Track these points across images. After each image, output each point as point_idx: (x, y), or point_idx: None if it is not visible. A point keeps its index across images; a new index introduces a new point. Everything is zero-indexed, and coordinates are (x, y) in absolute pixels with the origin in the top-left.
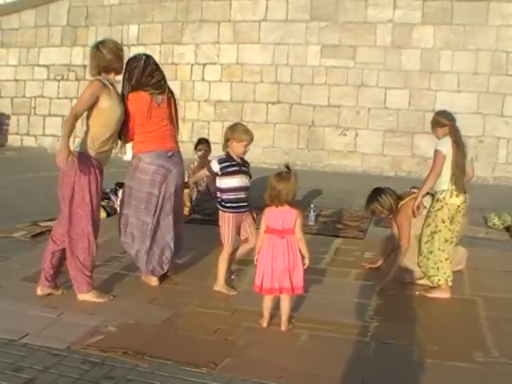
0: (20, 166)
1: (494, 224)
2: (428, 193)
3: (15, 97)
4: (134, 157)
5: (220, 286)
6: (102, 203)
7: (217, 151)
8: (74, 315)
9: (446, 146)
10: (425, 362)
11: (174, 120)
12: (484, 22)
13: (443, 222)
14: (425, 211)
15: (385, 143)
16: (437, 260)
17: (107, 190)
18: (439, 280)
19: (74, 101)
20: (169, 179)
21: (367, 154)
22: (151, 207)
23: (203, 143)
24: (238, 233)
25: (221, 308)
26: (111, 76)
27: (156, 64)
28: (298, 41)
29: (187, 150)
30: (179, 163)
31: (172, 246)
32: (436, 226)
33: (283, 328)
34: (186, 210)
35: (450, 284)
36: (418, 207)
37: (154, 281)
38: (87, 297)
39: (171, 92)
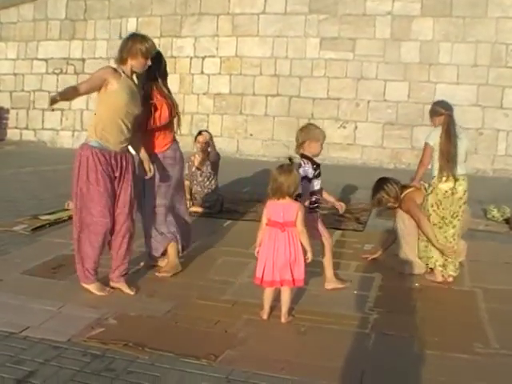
0: (19, 160)
1: (493, 216)
2: None
3: (14, 91)
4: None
5: (332, 282)
6: None
7: (216, 143)
8: (75, 308)
9: (434, 138)
10: (425, 354)
11: None
12: (483, 14)
13: (432, 205)
14: None
15: (384, 135)
16: (426, 243)
17: None
18: (430, 263)
19: None
20: None
21: (367, 146)
22: None
23: (202, 134)
24: None
25: (221, 300)
26: (126, 67)
27: None
28: (297, 33)
29: (186, 143)
30: None
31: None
32: (428, 210)
33: (283, 320)
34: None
35: (440, 269)
36: None
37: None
38: (88, 287)
39: None
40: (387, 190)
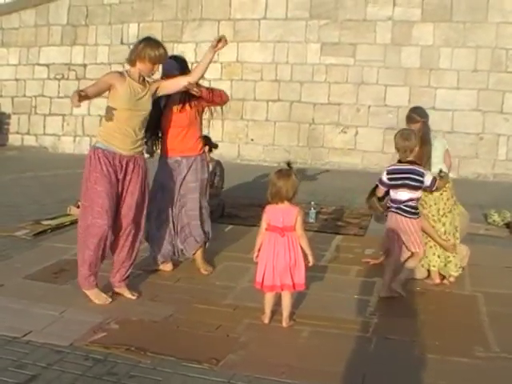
0: (21, 165)
1: (493, 220)
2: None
3: (16, 96)
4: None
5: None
6: None
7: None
8: (77, 312)
9: None
10: (426, 357)
11: None
12: (484, 19)
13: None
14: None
15: (385, 140)
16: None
17: None
18: (424, 263)
19: None
20: None
21: (367, 151)
22: None
23: None
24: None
25: (222, 305)
26: (134, 69)
27: None
28: (297, 39)
29: None
30: None
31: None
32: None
33: (284, 324)
34: None
35: (434, 269)
36: None
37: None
38: (86, 292)
39: None
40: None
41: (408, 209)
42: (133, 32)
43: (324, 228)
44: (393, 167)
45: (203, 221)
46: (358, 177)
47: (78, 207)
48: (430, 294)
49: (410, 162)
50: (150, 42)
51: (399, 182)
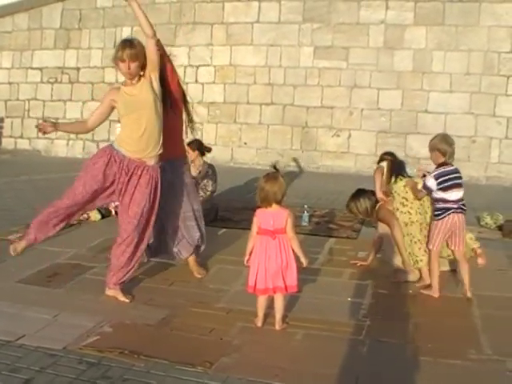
0: (14, 169)
1: (486, 223)
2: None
3: (9, 99)
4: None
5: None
6: None
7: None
8: (70, 316)
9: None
10: (418, 360)
11: None
12: (476, 22)
13: (397, 208)
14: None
15: (378, 144)
16: (407, 246)
17: None
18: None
19: (68, 103)
20: None
21: (360, 154)
22: None
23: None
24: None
25: (216, 308)
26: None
27: None
28: (290, 42)
29: None
30: None
31: None
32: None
33: (278, 327)
34: None
35: (419, 266)
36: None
37: None
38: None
39: None
40: (358, 204)
41: (464, 207)
42: (126, 35)
43: (317, 231)
44: (441, 171)
45: (198, 223)
46: (351, 180)
47: None
48: (422, 297)
49: (447, 164)
50: (120, 43)
51: (450, 183)
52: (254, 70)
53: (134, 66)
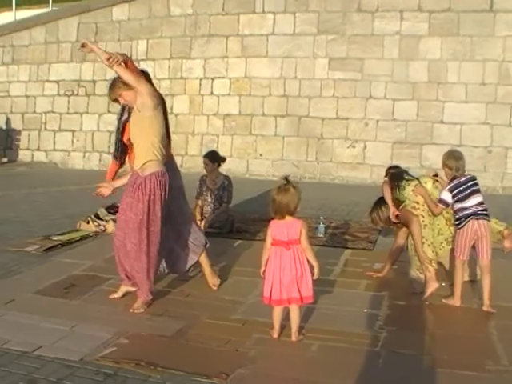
0: (31, 181)
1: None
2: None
3: (26, 112)
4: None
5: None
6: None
7: (226, 164)
8: (87, 327)
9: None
10: (435, 371)
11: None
12: (491, 32)
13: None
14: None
15: (393, 155)
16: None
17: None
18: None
19: (84, 116)
20: None
21: (376, 165)
22: None
23: (204, 157)
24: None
25: (232, 320)
26: None
27: None
28: (305, 54)
29: (197, 164)
30: None
31: None
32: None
33: (293, 339)
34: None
35: (435, 266)
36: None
37: None
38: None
39: None
40: (380, 213)
41: (486, 211)
42: (142, 48)
43: (333, 242)
44: (454, 183)
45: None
46: (366, 191)
47: (88, 223)
48: (438, 308)
49: (457, 177)
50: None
51: (466, 193)
52: (269, 81)
53: (123, 96)
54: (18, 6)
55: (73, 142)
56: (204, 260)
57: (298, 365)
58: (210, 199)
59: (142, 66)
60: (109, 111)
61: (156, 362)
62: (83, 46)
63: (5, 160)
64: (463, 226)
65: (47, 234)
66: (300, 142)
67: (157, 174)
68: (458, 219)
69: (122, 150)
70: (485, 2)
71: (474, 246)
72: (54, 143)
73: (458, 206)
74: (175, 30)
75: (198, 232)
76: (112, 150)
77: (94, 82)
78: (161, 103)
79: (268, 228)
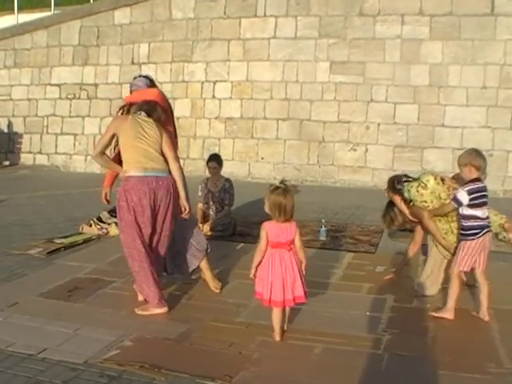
0: (33, 184)
1: (504, 237)
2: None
3: (28, 116)
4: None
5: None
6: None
7: (227, 167)
8: (91, 330)
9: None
10: (437, 374)
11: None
12: (492, 36)
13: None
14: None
15: (395, 158)
16: None
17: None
18: None
19: (86, 119)
20: None
21: (377, 169)
22: None
23: (212, 160)
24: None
25: (235, 322)
26: None
27: None
28: (307, 57)
29: (198, 167)
30: None
31: None
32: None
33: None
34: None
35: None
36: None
37: None
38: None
39: None
40: (393, 215)
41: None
42: (143, 52)
43: (335, 245)
44: (475, 186)
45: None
46: (368, 194)
47: (90, 226)
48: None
49: (480, 180)
50: None
51: (481, 200)
52: (271, 85)
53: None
54: (20, 9)
55: (75, 145)
56: (205, 265)
57: (301, 367)
58: (211, 202)
59: (144, 69)
60: (110, 114)
61: (160, 364)
62: None
63: (7, 163)
64: (478, 238)
65: (50, 237)
66: (301, 145)
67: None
68: (470, 228)
69: None
70: (486, 5)
71: None
72: (56, 146)
73: (470, 212)
74: (177, 34)
75: (201, 236)
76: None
77: (96, 85)
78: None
79: (262, 230)
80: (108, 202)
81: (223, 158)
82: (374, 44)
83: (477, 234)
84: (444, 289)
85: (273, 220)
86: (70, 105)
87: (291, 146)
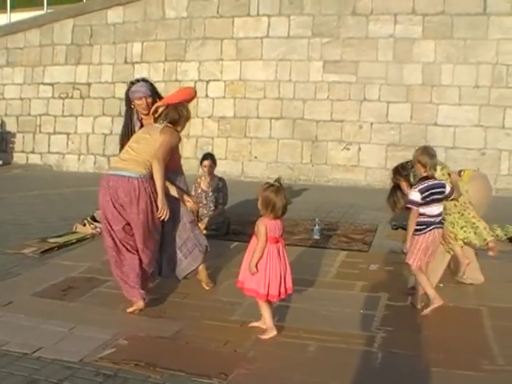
0: (26, 183)
1: (497, 235)
2: None
3: (21, 115)
4: None
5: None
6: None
7: (221, 166)
8: (86, 329)
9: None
10: (431, 371)
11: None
12: (484, 35)
13: None
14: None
15: (388, 157)
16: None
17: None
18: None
19: (79, 118)
20: None
21: (370, 167)
22: None
23: (207, 158)
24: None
25: (230, 321)
26: None
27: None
28: (300, 57)
29: (192, 166)
30: None
31: None
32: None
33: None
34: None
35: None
36: None
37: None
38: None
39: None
40: (396, 199)
41: (443, 221)
42: (137, 51)
43: (328, 244)
44: (425, 185)
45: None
46: (361, 193)
47: (84, 225)
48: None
49: (432, 177)
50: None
51: (431, 198)
52: (264, 84)
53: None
54: (13, 8)
55: (67, 144)
56: (200, 266)
57: (295, 365)
58: (205, 201)
59: (137, 68)
60: (104, 114)
61: (155, 362)
62: None
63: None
64: (424, 234)
65: (44, 236)
66: (295, 144)
67: None
68: (419, 224)
69: None
70: (478, 5)
71: None
72: (49, 146)
73: (422, 210)
74: (170, 33)
75: (202, 237)
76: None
77: (89, 84)
78: None
79: (261, 227)
80: None
81: (216, 157)
82: (367, 43)
83: (422, 229)
84: (437, 287)
85: (267, 217)
86: (63, 104)
87: (284, 145)
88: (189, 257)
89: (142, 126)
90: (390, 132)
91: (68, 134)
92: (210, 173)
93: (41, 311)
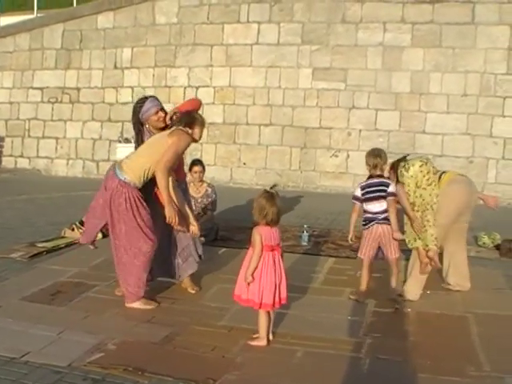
0: (15, 188)
1: (484, 243)
2: None
3: (9, 119)
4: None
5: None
6: None
7: (209, 172)
8: (74, 334)
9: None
10: (418, 377)
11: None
12: (472, 44)
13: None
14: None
15: None
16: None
17: None
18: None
19: (68, 123)
20: None
21: (359, 175)
22: None
23: (197, 164)
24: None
25: (218, 326)
26: None
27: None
28: (289, 64)
29: None
30: None
31: None
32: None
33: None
34: None
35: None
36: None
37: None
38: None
39: None
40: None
41: (388, 218)
42: (126, 56)
43: (317, 251)
44: (367, 183)
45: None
46: (349, 200)
47: (73, 230)
48: (421, 315)
49: (379, 176)
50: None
51: (371, 195)
52: (253, 91)
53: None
54: (2, 11)
55: (56, 149)
56: None
57: (283, 371)
58: (194, 207)
59: (127, 74)
60: (93, 119)
61: (144, 367)
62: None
63: None
64: (368, 228)
65: (32, 240)
66: (284, 150)
67: None
68: (364, 219)
69: None
70: (467, 14)
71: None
72: (38, 150)
73: (365, 206)
74: (160, 39)
75: (200, 245)
76: None
77: (78, 89)
78: None
79: (256, 235)
80: None
81: (205, 163)
82: (356, 51)
83: (366, 225)
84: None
85: (260, 224)
86: (52, 108)
87: (273, 152)
88: (185, 263)
89: None
90: (378, 139)
91: (57, 138)
92: (200, 179)
93: (29, 315)
